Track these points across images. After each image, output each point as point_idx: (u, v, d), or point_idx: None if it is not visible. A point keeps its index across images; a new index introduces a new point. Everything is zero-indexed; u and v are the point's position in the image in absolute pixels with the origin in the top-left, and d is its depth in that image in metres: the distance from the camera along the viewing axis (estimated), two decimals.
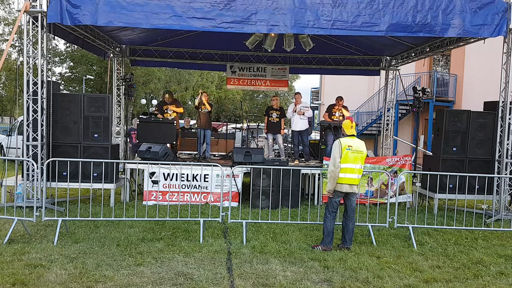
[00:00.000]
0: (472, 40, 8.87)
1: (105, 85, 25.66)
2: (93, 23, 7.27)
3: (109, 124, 8.35)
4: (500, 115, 8.27)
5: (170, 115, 10.35)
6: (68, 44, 29.83)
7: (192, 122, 14.53)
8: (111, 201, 8.22)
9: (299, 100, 10.42)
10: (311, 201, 8.91)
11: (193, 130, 12.35)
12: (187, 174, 8.54)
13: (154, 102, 33.49)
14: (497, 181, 8.15)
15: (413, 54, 11.40)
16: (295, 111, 10.22)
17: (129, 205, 8.04)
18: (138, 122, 10.17)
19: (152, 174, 8.48)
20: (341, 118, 10.15)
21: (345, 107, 10.45)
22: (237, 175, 8.66)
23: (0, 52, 24.60)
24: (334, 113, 10.35)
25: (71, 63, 32.61)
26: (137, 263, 5.11)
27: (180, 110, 10.66)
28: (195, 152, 10.90)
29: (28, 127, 7.61)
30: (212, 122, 11.40)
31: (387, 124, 13.18)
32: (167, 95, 10.68)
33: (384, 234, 6.73)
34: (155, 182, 8.49)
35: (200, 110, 10.29)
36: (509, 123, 8.13)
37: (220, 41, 11.58)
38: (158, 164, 8.06)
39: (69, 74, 33.21)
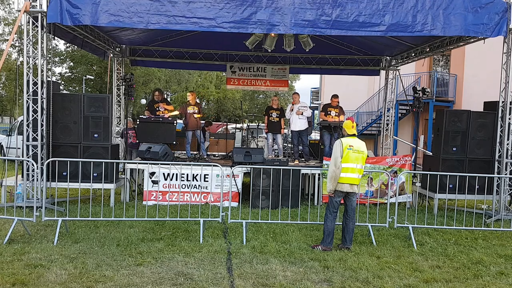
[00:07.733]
0: (472, 40, 8.87)
1: (105, 85, 25.66)
2: (93, 23, 7.26)
3: (109, 124, 8.35)
4: (500, 115, 8.27)
5: (162, 113, 10.38)
6: (68, 44, 29.86)
7: None
8: (111, 201, 8.22)
9: (296, 100, 10.41)
10: (311, 201, 8.90)
11: None
12: (187, 174, 8.54)
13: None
14: (497, 181, 8.15)
15: (413, 54, 11.40)
16: (292, 110, 10.22)
17: (129, 205, 8.04)
18: (131, 121, 10.14)
19: (152, 174, 8.48)
20: (336, 118, 10.12)
21: (342, 109, 10.37)
22: (237, 175, 8.66)
23: (0, 52, 24.59)
24: (329, 112, 10.27)
25: (71, 63, 32.66)
26: (137, 263, 5.10)
27: (171, 108, 10.70)
28: (195, 152, 10.92)
29: (28, 127, 7.60)
30: (213, 122, 11.36)
31: (387, 124, 13.18)
32: (157, 93, 10.75)
33: (384, 234, 6.73)
34: (155, 182, 8.49)
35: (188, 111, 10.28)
36: (509, 123, 8.13)
37: (220, 41, 11.59)
38: (158, 164, 8.06)
39: (69, 74, 33.25)
